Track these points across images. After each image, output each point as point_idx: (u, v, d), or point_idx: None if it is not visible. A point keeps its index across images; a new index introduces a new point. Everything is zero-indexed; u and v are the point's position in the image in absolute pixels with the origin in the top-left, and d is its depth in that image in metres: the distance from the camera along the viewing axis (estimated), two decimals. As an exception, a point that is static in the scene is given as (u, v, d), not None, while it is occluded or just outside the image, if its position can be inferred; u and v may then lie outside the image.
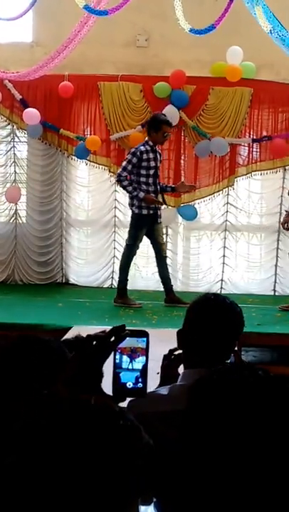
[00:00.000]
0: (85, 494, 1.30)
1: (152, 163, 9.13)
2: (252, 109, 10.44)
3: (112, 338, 2.07)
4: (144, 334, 2.19)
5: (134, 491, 1.40)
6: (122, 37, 10.59)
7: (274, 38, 8.11)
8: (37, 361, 2.26)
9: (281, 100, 10.37)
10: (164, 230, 10.20)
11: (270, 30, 8.01)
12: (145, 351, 2.18)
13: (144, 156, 9.11)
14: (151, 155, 9.13)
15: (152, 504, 2.53)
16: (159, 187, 9.20)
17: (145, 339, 2.18)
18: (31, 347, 2.34)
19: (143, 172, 9.13)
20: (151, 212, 9.11)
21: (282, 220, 9.57)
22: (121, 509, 1.36)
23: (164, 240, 9.52)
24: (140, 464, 1.40)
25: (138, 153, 9.12)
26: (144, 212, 9.11)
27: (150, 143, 9.14)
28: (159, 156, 9.24)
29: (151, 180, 9.15)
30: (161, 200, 9.22)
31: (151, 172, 9.15)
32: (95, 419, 1.38)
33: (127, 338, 2.13)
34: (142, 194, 9.03)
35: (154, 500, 2.56)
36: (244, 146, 10.62)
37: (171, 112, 10.23)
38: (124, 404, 1.95)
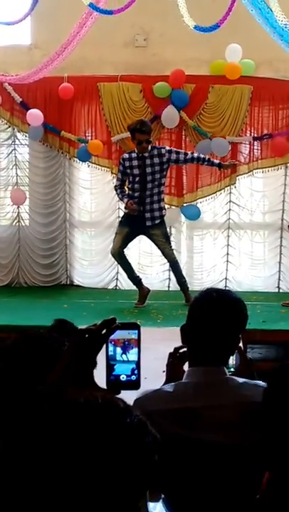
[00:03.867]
0: (91, 492, 1.30)
1: (136, 171, 9.17)
2: (252, 106, 10.41)
3: (104, 331, 2.09)
4: (135, 326, 2.21)
5: (142, 488, 1.41)
6: (120, 37, 10.59)
7: (277, 36, 8.04)
8: (40, 358, 2.27)
9: (281, 97, 10.36)
10: (168, 230, 10.17)
11: (285, 25, 7.94)
12: (137, 343, 2.19)
13: (127, 164, 9.24)
14: (135, 162, 9.18)
15: (160, 501, 2.54)
16: (152, 192, 9.19)
17: (136, 331, 2.19)
18: (34, 344, 2.34)
19: (129, 179, 9.30)
20: (134, 213, 9.21)
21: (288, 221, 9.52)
22: (129, 506, 1.36)
23: (166, 244, 9.41)
24: (149, 461, 1.40)
25: (121, 160, 9.39)
26: (125, 211, 9.44)
27: (136, 150, 9.22)
28: (155, 160, 9.13)
29: (136, 186, 9.21)
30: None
31: (136, 179, 9.20)
32: (102, 418, 1.38)
33: (119, 331, 2.14)
34: (125, 199, 9.27)
35: (162, 496, 2.57)
36: (245, 144, 10.61)
37: (171, 113, 10.25)
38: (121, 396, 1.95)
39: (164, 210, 9.35)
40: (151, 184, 9.14)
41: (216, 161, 9.35)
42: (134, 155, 9.20)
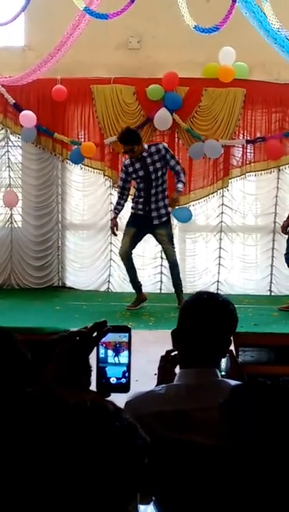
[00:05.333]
0: (79, 496, 1.29)
1: (141, 173, 9.27)
2: (245, 109, 10.43)
3: (95, 334, 2.09)
4: (126, 329, 2.21)
5: (131, 492, 1.40)
6: (114, 39, 10.58)
7: (271, 39, 8.05)
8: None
9: (274, 100, 10.37)
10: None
11: (278, 29, 7.94)
12: (128, 346, 2.20)
13: (130, 169, 9.34)
14: (137, 165, 9.26)
15: (151, 503, 2.54)
16: (157, 189, 9.26)
17: (127, 334, 2.20)
18: None
19: (137, 181, 9.39)
20: (139, 212, 9.36)
21: (283, 223, 9.51)
22: (118, 510, 1.36)
23: (169, 245, 9.48)
24: (138, 465, 1.40)
25: (123, 167, 9.55)
26: (132, 211, 9.51)
27: None
28: (154, 157, 9.19)
29: (142, 186, 9.33)
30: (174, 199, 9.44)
31: (142, 180, 9.29)
32: (91, 421, 1.37)
33: (110, 334, 2.14)
34: (112, 215, 9.64)
35: (153, 499, 2.57)
36: (238, 147, 10.61)
37: (164, 115, 10.25)
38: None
39: (169, 208, 9.41)
40: (155, 182, 9.24)
41: (180, 187, 9.32)
42: (134, 159, 9.25)
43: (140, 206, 9.31)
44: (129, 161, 9.32)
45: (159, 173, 9.23)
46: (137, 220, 9.33)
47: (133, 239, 9.46)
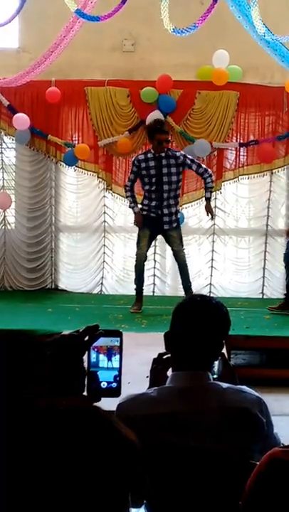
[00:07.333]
0: (70, 501, 1.29)
1: (152, 171, 9.07)
2: (238, 112, 10.45)
3: (86, 337, 2.09)
4: (117, 334, 2.22)
5: (122, 498, 1.40)
6: (108, 42, 10.59)
7: (264, 43, 8.08)
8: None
9: (267, 103, 10.40)
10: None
11: (264, 34, 7.98)
12: (119, 350, 2.20)
13: (143, 165, 9.12)
14: (152, 163, 9.09)
15: (143, 506, 2.54)
16: (169, 194, 9.12)
17: (119, 339, 2.21)
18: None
19: (145, 180, 9.19)
20: (151, 214, 9.17)
21: (286, 227, 9.55)
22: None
23: (180, 247, 9.40)
24: (129, 470, 1.40)
25: (136, 161, 9.24)
26: (144, 213, 9.24)
27: (152, 151, 9.16)
28: (171, 161, 9.03)
29: (154, 187, 9.12)
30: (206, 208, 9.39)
31: (153, 180, 9.11)
32: (79, 427, 1.37)
33: (102, 338, 2.15)
34: (136, 209, 9.25)
35: (145, 502, 2.57)
36: (231, 150, 10.63)
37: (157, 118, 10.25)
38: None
39: (179, 213, 9.40)
40: (167, 186, 9.07)
41: (208, 194, 9.33)
42: (150, 155, 9.13)
43: (153, 209, 9.14)
44: (144, 157, 9.16)
45: (173, 179, 9.05)
46: (150, 222, 9.17)
47: (149, 241, 9.40)
